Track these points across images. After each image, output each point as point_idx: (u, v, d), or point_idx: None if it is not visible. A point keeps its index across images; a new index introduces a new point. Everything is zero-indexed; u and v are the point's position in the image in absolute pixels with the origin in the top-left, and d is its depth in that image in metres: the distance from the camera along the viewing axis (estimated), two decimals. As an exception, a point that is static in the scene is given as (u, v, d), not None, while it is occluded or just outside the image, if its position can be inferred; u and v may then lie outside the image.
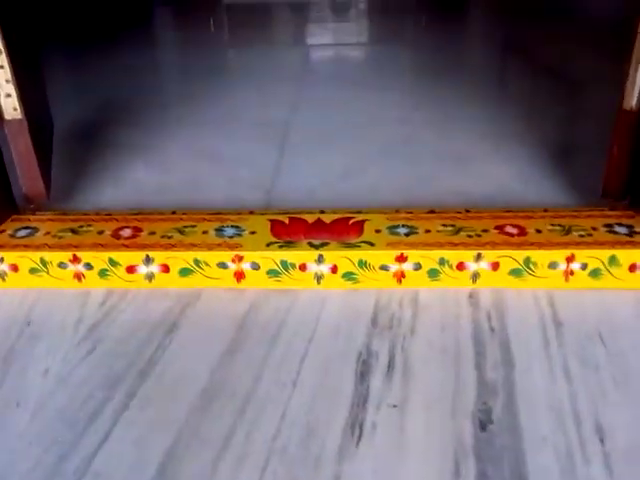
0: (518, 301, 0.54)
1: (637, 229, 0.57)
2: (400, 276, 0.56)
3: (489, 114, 0.97)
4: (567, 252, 0.54)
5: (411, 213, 0.61)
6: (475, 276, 0.55)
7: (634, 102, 0.59)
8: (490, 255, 0.54)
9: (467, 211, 0.62)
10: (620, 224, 0.58)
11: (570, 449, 0.39)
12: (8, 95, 0.60)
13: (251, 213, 0.63)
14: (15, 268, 0.57)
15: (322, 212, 0.62)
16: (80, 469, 0.38)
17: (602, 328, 0.50)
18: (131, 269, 0.56)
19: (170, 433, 0.41)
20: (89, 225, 0.60)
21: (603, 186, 0.65)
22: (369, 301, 0.54)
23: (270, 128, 0.94)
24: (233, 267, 0.56)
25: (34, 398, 0.44)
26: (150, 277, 0.56)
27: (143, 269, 0.56)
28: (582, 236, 0.56)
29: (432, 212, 0.62)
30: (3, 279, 0.57)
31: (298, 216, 0.61)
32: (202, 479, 0.38)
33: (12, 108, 0.61)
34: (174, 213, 0.63)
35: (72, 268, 0.56)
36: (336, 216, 0.61)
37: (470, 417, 0.42)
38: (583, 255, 0.54)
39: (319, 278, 0.56)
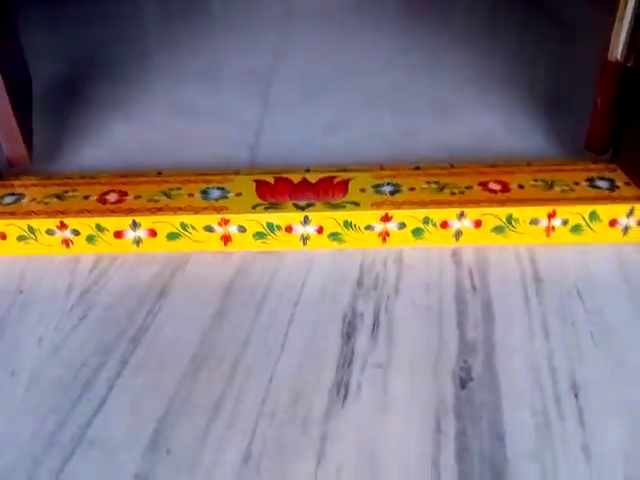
0: (500, 258, 0.55)
1: (618, 183, 0.58)
2: (385, 235, 0.56)
3: (478, 59, 0.95)
4: (549, 208, 0.55)
5: (396, 170, 0.62)
6: (458, 234, 0.56)
7: (619, 53, 0.58)
8: (473, 213, 0.55)
9: (452, 166, 0.62)
10: (602, 178, 0.58)
11: (546, 405, 0.41)
12: (-18, 59, 0.59)
13: (236, 173, 0.63)
14: (3, 236, 0.57)
15: (307, 170, 0.62)
16: (76, 437, 0.40)
17: (580, 284, 0.51)
18: (118, 234, 0.57)
19: (162, 400, 0.42)
20: (74, 190, 0.60)
21: (587, 139, 0.64)
22: (354, 262, 0.55)
23: (253, 77, 0.92)
24: (220, 230, 0.56)
25: (29, 367, 0.45)
26: (138, 241, 0.57)
27: (130, 234, 0.56)
28: (564, 191, 0.57)
29: (417, 168, 0.62)
30: (-9, 247, 0.58)
31: (283, 175, 0.61)
32: (194, 444, 0.39)
33: (-12, 72, 0.60)
34: (159, 174, 0.63)
35: (60, 234, 0.56)
36: (321, 175, 0.61)
37: (451, 375, 0.43)
38: (564, 211, 0.55)
39: (305, 239, 0.57)
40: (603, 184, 0.57)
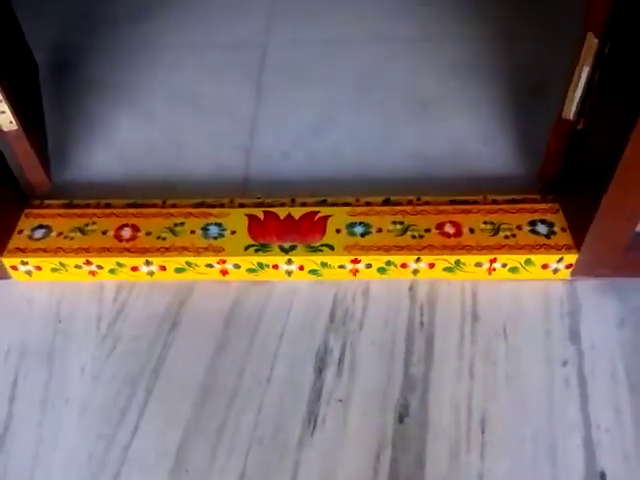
0: (448, 293, 0.67)
1: (555, 228, 0.68)
2: (355, 271, 0.68)
3: (468, 33, 0.97)
4: (491, 256, 0.66)
5: (369, 205, 0.71)
6: (415, 272, 0.68)
7: (572, 113, 0.65)
8: (428, 258, 0.66)
9: (418, 199, 0.72)
10: (543, 221, 0.68)
11: (459, 439, 0.56)
12: (2, 112, 0.66)
13: (231, 203, 0.73)
14: (39, 268, 0.69)
15: (293, 201, 0.73)
16: (120, 458, 0.56)
17: (509, 323, 0.64)
18: (135, 269, 0.68)
19: (180, 427, 0.58)
20: (94, 223, 0.71)
21: (540, 173, 0.74)
22: (329, 292, 0.68)
23: (244, 54, 0.96)
24: (218, 267, 0.68)
25: (78, 396, 0.60)
26: (151, 273, 0.69)
27: (144, 269, 0.68)
28: (507, 237, 0.67)
29: (387, 201, 0.72)
30: (30, 275, 0.70)
31: (272, 210, 0.71)
32: (206, 465, 0.55)
33: (8, 121, 0.67)
34: (164, 204, 0.73)
35: (86, 268, 0.69)
36: (303, 210, 0.71)
37: (393, 411, 0.58)
38: (504, 258, 0.66)
39: (289, 273, 0.68)
40: (542, 229, 0.68)
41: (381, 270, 0.68)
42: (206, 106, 0.90)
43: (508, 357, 0.61)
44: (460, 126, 0.85)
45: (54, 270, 0.69)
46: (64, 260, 0.68)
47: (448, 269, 0.67)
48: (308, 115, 0.87)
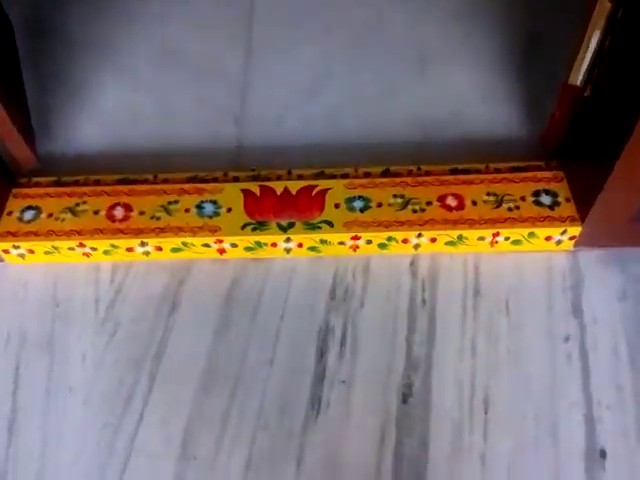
0: (449, 267, 0.66)
1: (559, 198, 0.66)
2: (355, 247, 0.67)
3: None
4: (494, 230, 0.64)
5: (368, 177, 0.69)
6: (417, 246, 0.66)
7: (579, 79, 0.61)
8: (429, 233, 0.65)
9: (418, 169, 0.70)
10: (547, 191, 0.67)
11: (461, 419, 0.56)
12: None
13: (225, 176, 0.70)
14: (31, 251, 0.67)
15: (289, 173, 0.70)
16: (127, 448, 0.56)
17: (511, 297, 0.63)
18: (130, 249, 0.67)
19: (184, 414, 0.58)
20: (84, 202, 0.68)
21: (543, 138, 0.71)
22: (329, 269, 0.66)
23: (232, 3, 0.90)
24: (215, 246, 0.66)
25: (80, 383, 0.60)
26: (147, 253, 0.67)
27: (140, 249, 0.67)
28: (510, 209, 0.65)
29: (387, 172, 0.70)
30: (23, 258, 0.68)
31: (267, 184, 0.69)
32: (212, 452, 0.56)
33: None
34: (156, 178, 0.71)
35: (80, 250, 0.67)
36: (301, 184, 0.68)
37: (396, 391, 0.58)
38: (507, 232, 0.65)
39: (288, 250, 0.67)
40: (546, 200, 0.66)
41: (382, 246, 0.66)
42: (193, 66, 0.85)
43: (510, 333, 0.61)
44: (460, 84, 0.81)
45: (47, 253, 0.67)
46: (56, 243, 0.66)
47: (450, 243, 0.66)
48: (302, 74, 0.83)
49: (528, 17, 0.88)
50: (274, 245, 0.66)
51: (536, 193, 0.67)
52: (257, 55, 0.86)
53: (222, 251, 0.67)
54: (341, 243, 0.66)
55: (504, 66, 0.83)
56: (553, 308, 0.63)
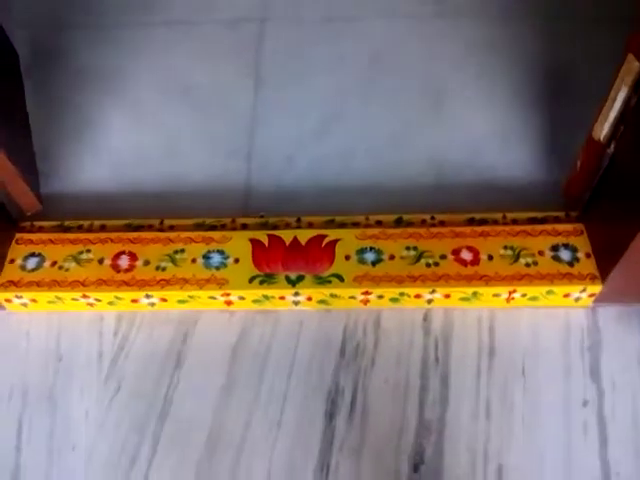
0: (463, 323, 0.64)
1: (579, 253, 0.64)
2: (366, 301, 0.65)
3: (487, 8, 0.89)
4: (510, 288, 0.62)
5: (380, 226, 0.67)
6: (430, 301, 0.64)
7: (603, 135, 0.59)
8: (443, 290, 0.63)
9: (432, 218, 0.67)
10: (567, 246, 0.64)
11: (475, 491, 0.55)
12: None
13: (233, 223, 0.68)
14: (34, 300, 0.66)
15: (298, 220, 0.68)
16: (131, 515, 0.55)
17: (527, 358, 0.61)
18: (135, 301, 0.65)
19: (189, 478, 0.56)
20: (88, 251, 0.67)
21: (564, 188, 0.68)
22: (339, 325, 0.64)
23: (240, 35, 0.88)
24: (222, 298, 0.65)
25: (83, 443, 0.59)
26: (152, 304, 0.66)
27: (145, 300, 0.65)
28: (527, 265, 0.63)
29: (399, 221, 0.68)
30: (26, 306, 0.66)
31: (276, 234, 0.67)
32: (217, 521, 0.54)
33: (-12, 148, 0.62)
34: (162, 224, 0.69)
35: (84, 301, 0.65)
36: (310, 233, 0.66)
37: (407, 458, 0.56)
38: (524, 289, 0.62)
39: (297, 303, 0.65)
40: (565, 255, 0.63)
41: (394, 300, 0.64)
42: (200, 100, 0.83)
43: (525, 397, 0.59)
44: (477, 123, 0.78)
45: (51, 302, 0.66)
46: (60, 294, 0.64)
47: (464, 299, 0.64)
48: (312, 110, 0.81)
49: (551, 47, 0.85)
50: (282, 298, 0.64)
51: (555, 247, 0.64)
52: (266, 87, 0.84)
53: (229, 303, 0.65)
54: (352, 297, 0.64)
55: (524, 103, 0.80)
56: (570, 370, 0.61)
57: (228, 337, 0.64)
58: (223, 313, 0.66)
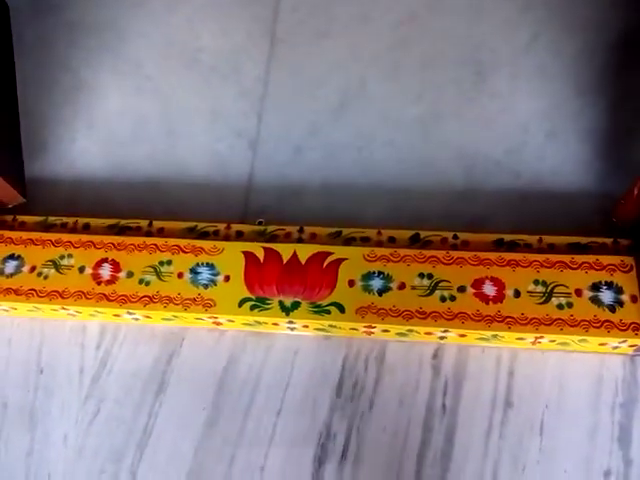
0: (479, 364, 0.56)
1: (624, 296, 0.53)
2: (369, 332, 0.57)
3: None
4: (536, 334, 0.53)
5: (393, 244, 0.58)
6: (442, 337, 0.56)
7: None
8: (458, 330, 0.54)
9: (454, 237, 0.58)
10: (610, 285, 0.54)
11: None
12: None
13: (227, 229, 0.61)
14: (14, 307, 0.61)
15: (300, 230, 0.60)
16: None
17: (547, 412, 0.54)
18: (117, 315, 0.60)
19: (165, 521, 0.53)
20: (70, 256, 0.61)
21: (617, 208, 0.57)
22: (337, 356, 0.58)
23: (256, 13, 0.75)
24: (210, 320, 0.58)
25: (60, 470, 0.56)
26: (136, 319, 0.60)
27: (128, 316, 0.60)
28: (560, 307, 0.54)
29: (415, 238, 0.58)
30: (7, 311, 0.62)
31: (273, 247, 0.59)
32: None
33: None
34: (150, 225, 0.62)
35: (63, 312, 0.60)
36: (312, 249, 0.58)
37: (399, 521, 0.51)
38: (553, 337, 0.53)
39: (292, 329, 0.58)
40: (607, 297, 0.53)
41: (401, 334, 0.57)
42: (206, 66, 0.73)
43: (540, 460, 0.52)
44: (520, 109, 0.65)
45: (30, 310, 0.61)
46: (38, 305, 0.60)
47: (482, 339, 0.56)
48: (330, 88, 0.70)
49: (625, 12, 0.70)
50: (276, 324, 0.58)
51: (596, 286, 0.54)
52: (282, 52, 0.72)
53: (218, 324, 0.59)
54: (353, 329, 0.57)
55: (581, 84, 0.66)
56: (596, 432, 0.53)
57: (216, 361, 0.59)
58: (212, 332, 0.60)
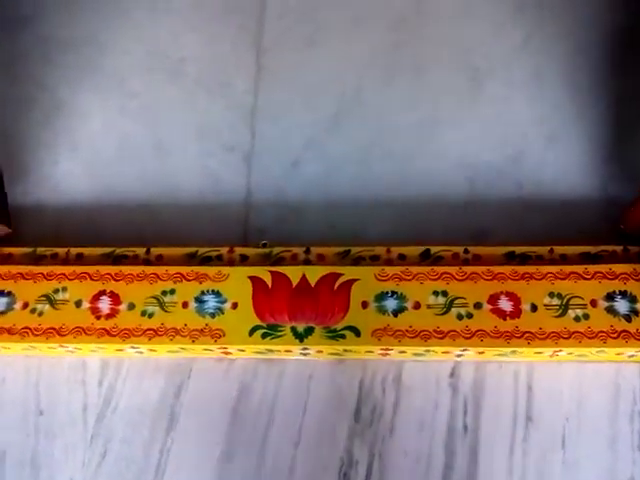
0: (498, 381, 0.55)
1: (639, 304, 0.54)
2: (385, 354, 0.56)
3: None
4: (555, 347, 0.53)
5: (403, 262, 0.57)
6: (459, 356, 0.55)
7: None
8: (477, 348, 0.53)
9: (465, 251, 0.57)
10: (624, 294, 0.54)
11: None
12: None
13: (230, 253, 0.59)
14: (9, 347, 0.58)
15: (307, 251, 0.58)
16: None
17: (568, 425, 0.53)
18: (120, 350, 0.57)
19: None
20: (64, 289, 0.57)
21: (624, 214, 0.57)
22: (354, 381, 0.56)
23: (242, 21, 0.72)
24: (219, 350, 0.56)
25: (69, 518, 0.53)
26: (140, 353, 0.57)
27: (131, 350, 0.57)
28: (577, 319, 0.53)
29: (426, 254, 0.57)
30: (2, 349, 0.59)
31: (281, 271, 0.57)
32: None
33: None
34: (148, 253, 0.59)
35: (62, 350, 0.57)
36: (322, 271, 0.56)
37: None
38: (570, 349, 0.53)
39: (305, 354, 0.57)
40: (622, 307, 0.53)
41: (418, 355, 0.56)
42: (191, 79, 0.70)
43: (565, 474, 0.52)
44: (520, 113, 0.65)
45: (26, 349, 0.58)
46: (34, 344, 0.56)
47: (500, 354, 0.55)
48: (324, 98, 0.68)
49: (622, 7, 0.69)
50: (288, 351, 0.56)
51: (610, 296, 0.54)
52: (270, 61, 0.70)
53: (227, 353, 0.57)
54: (369, 352, 0.55)
55: (580, 84, 0.66)
56: (616, 441, 0.53)
57: (226, 391, 0.56)
58: (220, 361, 0.58)
